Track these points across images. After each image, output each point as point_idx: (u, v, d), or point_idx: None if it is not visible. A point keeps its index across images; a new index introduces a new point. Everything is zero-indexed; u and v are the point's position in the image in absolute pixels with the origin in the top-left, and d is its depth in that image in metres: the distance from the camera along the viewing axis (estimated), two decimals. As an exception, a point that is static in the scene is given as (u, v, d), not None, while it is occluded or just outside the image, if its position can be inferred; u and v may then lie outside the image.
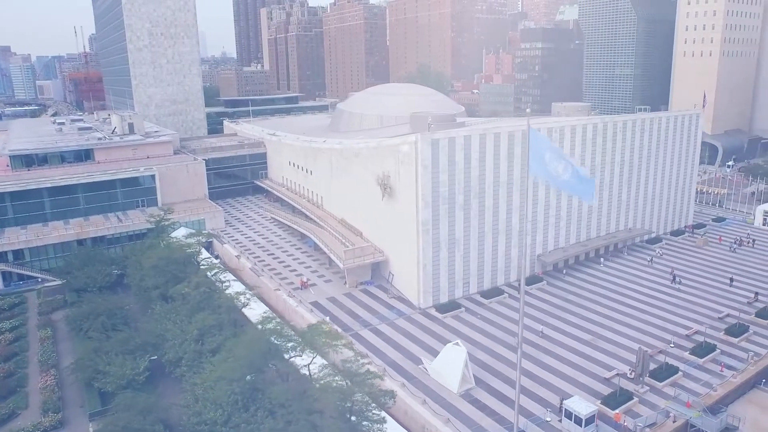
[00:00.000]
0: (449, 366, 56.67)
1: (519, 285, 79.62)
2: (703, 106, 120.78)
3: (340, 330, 65.28)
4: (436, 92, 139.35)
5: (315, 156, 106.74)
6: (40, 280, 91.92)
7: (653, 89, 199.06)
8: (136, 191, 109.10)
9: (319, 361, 51.32)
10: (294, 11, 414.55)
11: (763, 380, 58.72)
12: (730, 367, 59.36)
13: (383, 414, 46.07)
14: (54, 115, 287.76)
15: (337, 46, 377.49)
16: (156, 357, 62.73)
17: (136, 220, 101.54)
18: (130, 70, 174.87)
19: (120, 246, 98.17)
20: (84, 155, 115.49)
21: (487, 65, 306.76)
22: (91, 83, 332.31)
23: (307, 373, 49.48)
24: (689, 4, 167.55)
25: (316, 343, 49.91)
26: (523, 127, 79.17)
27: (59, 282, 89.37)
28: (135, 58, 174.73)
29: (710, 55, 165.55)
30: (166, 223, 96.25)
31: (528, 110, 45.98)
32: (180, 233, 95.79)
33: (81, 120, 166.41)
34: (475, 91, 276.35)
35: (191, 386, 54.11)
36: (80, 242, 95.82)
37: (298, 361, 51.06)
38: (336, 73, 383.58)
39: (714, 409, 52.19)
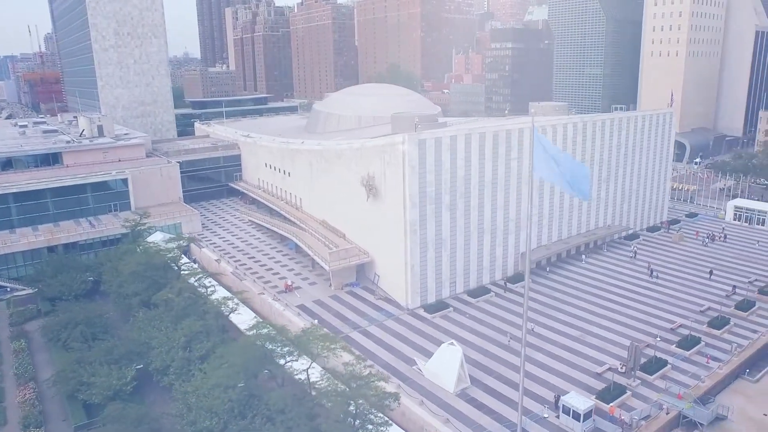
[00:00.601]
0: (445, 366, 56.48)
1: (504, 283, 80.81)
2: (671, 105, 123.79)
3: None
4: (412, 92, 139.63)
5: (293, 157, 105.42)
6: (9, 289, 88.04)
7: (622, 88, 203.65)
8: (108, 195, 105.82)
9: (317, 365, 50.49)
10: (260, 11, 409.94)
11: (747, 370, 60.40)
12: (715, 359, 60.86)
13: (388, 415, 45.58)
14: (9, 117, 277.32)
15: (305, 46, 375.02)
16: (142, 366, 60.80)
17: (110, 225, 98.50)
18: (96, 71, 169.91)
19: (93, 252, 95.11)
20: (52, 159, 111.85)
21: (457, 65, 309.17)
22: (48, 84, 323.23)
23: (306, 377, 48.60)
24: (656, 5, 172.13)
25: (313, 348, 49.04)
26: (507, 127, 79.97)
27: (31, 291, 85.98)
28: (100, 58, 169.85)
29: (676, 54, 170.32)
30: (142, 227, 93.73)
31: (533, 110, 46.11)
32: (156, 238, 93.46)
33: (44, 122, 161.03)
34: (446, 91, 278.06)
35: (182, 395, 52.59)
36: (51, 249, 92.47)
37: (295, 365, 50.14)
38: (304, 74, 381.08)
39: (704, 400, 53.40)
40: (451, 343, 57.76)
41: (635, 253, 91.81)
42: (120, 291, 76.76)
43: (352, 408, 43.30)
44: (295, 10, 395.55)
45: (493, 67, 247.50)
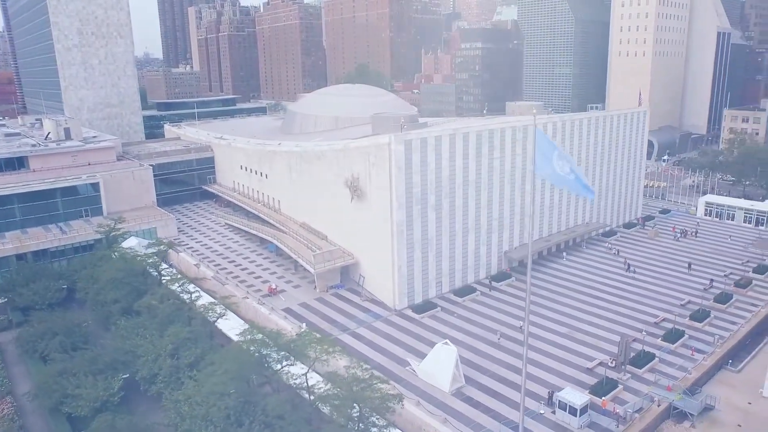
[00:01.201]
0: (440, 366, 56.35)
1: (489, 282, 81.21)
2: (639, 104, 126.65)
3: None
4: (388, 93, 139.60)
5: (271, 159, 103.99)
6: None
7: (591, 88, 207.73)
8: (78, 200, 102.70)
9: (314, 369, 49.71)
10: (225, 10, 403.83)
11: (730, 361, 62.12)
12: (699, 351, 62.39)
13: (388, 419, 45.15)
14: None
15: (272, 46, 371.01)
16: (128, 375, 58.88)
17: (82, 231, 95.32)
18: (59, 71, 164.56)
19: (65, 259, 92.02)
20: (17, 163, 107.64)
21: (426, 65, 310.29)
22: (0, 85, 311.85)
23: (304, 381, 47.78)
24: (623, 6, 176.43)
25: (310, 352, 48.24)
26: (490, 127, 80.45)
27: (0, 301, 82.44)
28: (63, 58, 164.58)
29: (643, 54, 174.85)
30: (117, 233, 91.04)
31: (535, 111, 46.20)
32: (131, 243, 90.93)
33: (4, 125, 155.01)
34: (416, 91, 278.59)
35: (174, 403, 51.16)
36: (20, 257, 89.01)
37: (292, 370, 49.27)
38: (271, 74, 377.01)
39: (692, 391, 54.65)
40: (446, 343, 57.69)
41: (617, 251, 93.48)
42: (98, 299, 74.42)
43: (355, 411, 42.72)
44: (261, 10, 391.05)
45: (463, 67, 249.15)
